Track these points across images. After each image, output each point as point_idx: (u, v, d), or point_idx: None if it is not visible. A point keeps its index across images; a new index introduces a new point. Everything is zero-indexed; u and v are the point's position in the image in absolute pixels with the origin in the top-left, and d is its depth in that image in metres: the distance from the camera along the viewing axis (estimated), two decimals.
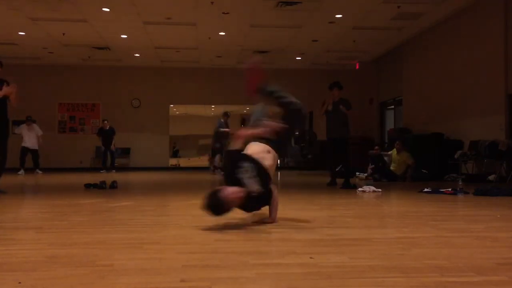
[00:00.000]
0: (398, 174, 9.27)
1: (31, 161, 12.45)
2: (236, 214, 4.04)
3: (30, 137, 12.35)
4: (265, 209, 3.42)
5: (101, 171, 13.14)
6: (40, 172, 12.35)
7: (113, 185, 7.00)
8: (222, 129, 12.17)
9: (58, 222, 3.59)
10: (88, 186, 7.06)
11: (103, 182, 7.04)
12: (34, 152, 12.47)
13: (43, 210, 4.43)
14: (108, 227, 3.35)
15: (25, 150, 12.31)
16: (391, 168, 9.51)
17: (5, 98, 5.99)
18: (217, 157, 12.72)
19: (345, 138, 7.47)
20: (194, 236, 2.93)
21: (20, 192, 6.95)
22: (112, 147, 13.84)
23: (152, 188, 7.65)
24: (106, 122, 13.89)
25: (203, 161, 20.53)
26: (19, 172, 11.65)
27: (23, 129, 12.41)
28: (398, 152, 9.53)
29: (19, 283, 1.83)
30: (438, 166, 9.69)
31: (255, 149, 3.31)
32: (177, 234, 3.04)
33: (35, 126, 12.60)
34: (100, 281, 1.87)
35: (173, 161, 20.07)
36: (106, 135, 13.74)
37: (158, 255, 2.37)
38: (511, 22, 8.73)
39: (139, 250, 2.49)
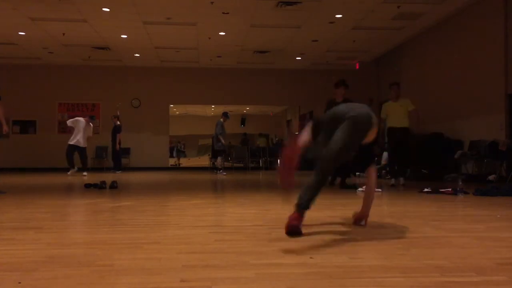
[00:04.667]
0: (401, 127, 7.69)
1: (31, 161, 12.02)
2: (237, 215, 4.05)
3: (83, 136, 11.21)
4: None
5: (117, 172, 12.85)
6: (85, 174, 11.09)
7: (113, 185, 7.01)
8: (221, 144, 12.09)
9: (58, 222, 3.59)
10: (88, 186, 7.07)
11: (103, 182, 7.05)
12: (82, 151, 11.34)
13: (43, 210, 4.42)
14: (108, 227, 3.35)
15: (72, 149, 11.20)
16: (390, 126, 7.81)
17: None
18: (219, 159, 12.71)
19: None
20: (194, 236, 2.93)
21: (19, 192, 6.94)
22: (117, 146, 13.12)
23: (152, 188, 7.64)
24: (115, 118, 13.24)
25: (203, 161, 20.55)
26: (69, 173, 11.11)
27: (78, 123, 11.18)
28: (396, 99, 7.87)
29: (19, 283, 1.83)
30: (438, 166, 9.68)
31: None
32: (177, 234, 3.03)
33: (91, 126, 11.57)
34: (100, 281, 1.87)
35: (173, 161, 20.08)
36: (112, 131, 13.21)
37: (158, 255, 2.37)
38: (511, 22, 8.73)
39: (139, 250, 2.49)
